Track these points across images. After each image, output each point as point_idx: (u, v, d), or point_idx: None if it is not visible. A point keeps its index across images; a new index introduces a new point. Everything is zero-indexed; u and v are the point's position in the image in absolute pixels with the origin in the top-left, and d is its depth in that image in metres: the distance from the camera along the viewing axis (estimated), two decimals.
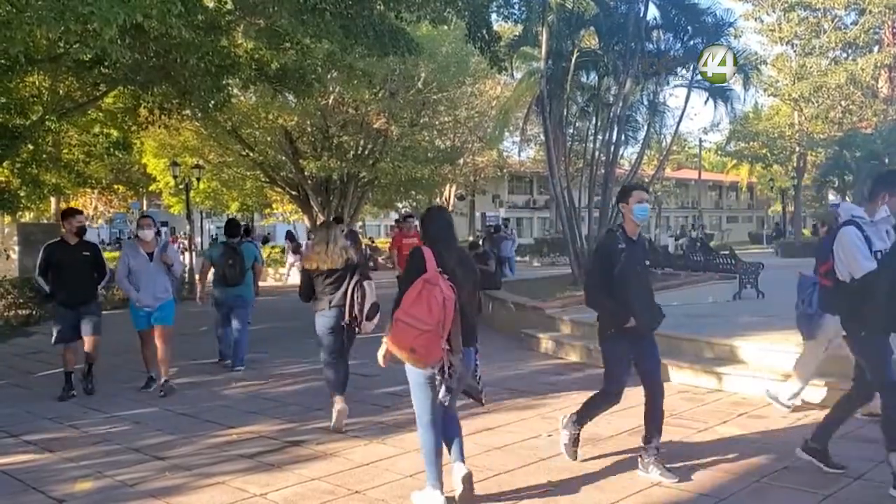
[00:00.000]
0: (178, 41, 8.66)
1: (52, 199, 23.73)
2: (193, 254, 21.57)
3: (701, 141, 45.48)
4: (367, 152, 22.50)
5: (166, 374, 7.17)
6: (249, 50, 11.40)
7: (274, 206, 34.46)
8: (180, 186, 23.90)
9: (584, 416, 4.70)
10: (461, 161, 29.74)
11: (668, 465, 4.40)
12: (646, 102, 16.12)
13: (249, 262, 8.52)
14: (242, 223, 11.40)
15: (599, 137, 15.28)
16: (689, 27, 14.33)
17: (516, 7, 11.29)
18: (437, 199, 37.49)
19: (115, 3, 5.93)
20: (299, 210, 27.48)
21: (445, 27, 14.85)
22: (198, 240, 29.94)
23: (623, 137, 15.66)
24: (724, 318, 8.93)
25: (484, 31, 9.94)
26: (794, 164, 38.91)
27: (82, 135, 16.56)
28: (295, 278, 19.30)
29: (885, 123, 30.93)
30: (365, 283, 5.72)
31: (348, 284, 5.70)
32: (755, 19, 36.08)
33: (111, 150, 16.66)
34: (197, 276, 11.28)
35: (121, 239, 42.50)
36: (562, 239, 17.86)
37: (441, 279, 3.76)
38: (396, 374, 4.29)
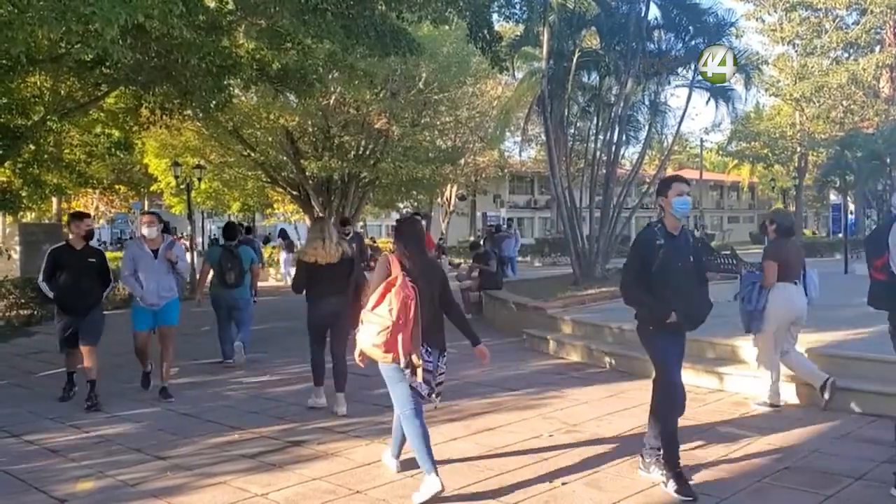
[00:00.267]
0: (180, 41, 8.68)
1: (54, 200, 23.76)
2: (195, 254, 21.55)
3: (702, 141, 45.43)
4: (368, 152, 22.48)
5: (168, 376, 7.10)
6: (251, 50, 11.39)
7: (275, 206, 34.49)
8: (181, 187, 23.88)
9: (657, 437, 4.28)
10: (462, 161, 29.72)
11: None
12: (647, 102, 16.08)
13: (247, 265, 8.80)
14: (244, 224, 11.51)
15: (601, 137, 15.25)
16: (690, 27, 14.30)
17: (517, 7, 11.25)
18: (439, 200, 37.55)
19: (116, 4, 5.94)
20: (300, 210, 27.49)
21: (447, 27, 14.84)
22: (199, 240, 29.89)
23: (624, 137, 15.65)
24: (725, 318, 8.89)
25: (485, 31, 9.92)
26: (796, 164, 38.95)
27: (84, 135, 16.58)
28: None
29: (886, 123, 30.82)
30: (361, 279, 6.15)
31: (346, 279, 6.14)
32: (756, 19, 36.13)
33: (112, 150, 16.70)
34: (198, 277, 11.44)
35: (122, 239, 42.59)
36: (563, 239, 17.86)
37: (404, 281, 4.05)
38: None
